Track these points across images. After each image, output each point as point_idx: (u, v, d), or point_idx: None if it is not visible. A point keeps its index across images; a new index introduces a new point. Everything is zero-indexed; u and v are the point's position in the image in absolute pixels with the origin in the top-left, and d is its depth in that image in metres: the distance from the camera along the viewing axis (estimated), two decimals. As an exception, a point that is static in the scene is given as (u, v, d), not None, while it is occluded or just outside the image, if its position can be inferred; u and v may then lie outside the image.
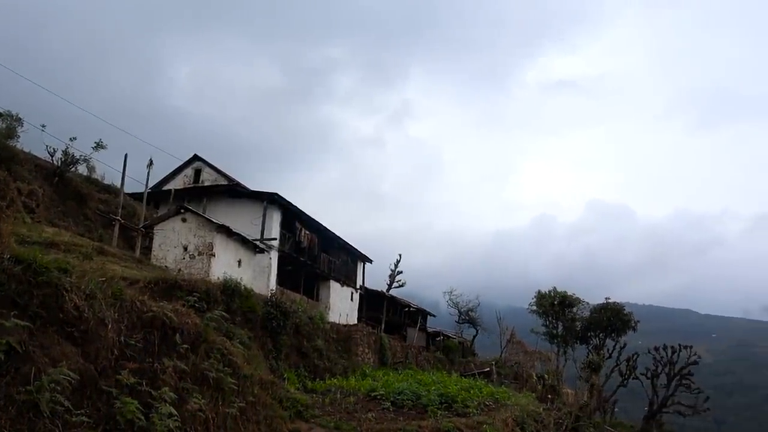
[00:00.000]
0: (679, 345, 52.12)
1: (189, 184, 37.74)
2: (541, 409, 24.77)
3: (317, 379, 23.39)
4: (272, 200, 34.49)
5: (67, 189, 31.57)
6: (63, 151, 31.14)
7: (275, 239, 34.07)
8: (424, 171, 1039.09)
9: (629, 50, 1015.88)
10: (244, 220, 32.90)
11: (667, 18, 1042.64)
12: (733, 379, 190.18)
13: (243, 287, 22.75)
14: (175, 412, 8.92)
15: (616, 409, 55.37)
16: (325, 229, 39.80)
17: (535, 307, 51.59)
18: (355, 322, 41.77)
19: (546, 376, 45.61)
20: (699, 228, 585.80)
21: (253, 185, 37.91)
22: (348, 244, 43.53)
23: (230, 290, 21.02)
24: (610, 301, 51.08)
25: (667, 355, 51.14)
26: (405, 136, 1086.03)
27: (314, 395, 19.60)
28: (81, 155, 31.85)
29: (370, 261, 47.49)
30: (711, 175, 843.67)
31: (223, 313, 15.55)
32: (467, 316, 53.70)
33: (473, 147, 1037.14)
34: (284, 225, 35.54)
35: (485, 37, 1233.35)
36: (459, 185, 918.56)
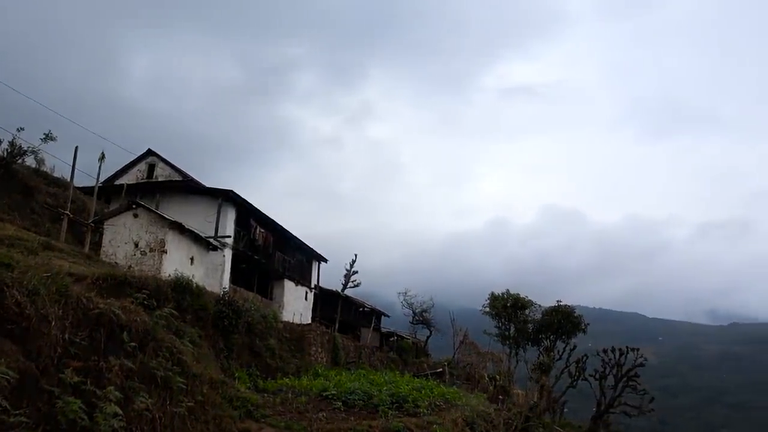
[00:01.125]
0: (627, 347, 53.44)
1: (142, 179, 37.03)
2: (492, 409, 25.09)
3: (269, 379, 23.21)
4: (227, 197, 34.09)
5: (13, 181, 30.54)
6: (9, 142, 30.10)
7: (229, 237, 33.69)
8: (382, 172, 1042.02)
9: (585, 60, 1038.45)
10: (198, 217, 32.44)
11: (622, 30, 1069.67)
12: (677, 380, 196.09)
13: (195, 285, 22.44)
14: (120, 412, 8.76)
15: (565, 410, 56.45)
16: (281, 227, 39.54)
17: (488, 309, 52.16)
18: (309, 321, 41.61)
19: (497, 377, 46.21)
20: (647, 233, 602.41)
21: (209, 182, 37.50)
22: (303, 243, 43.34)
23: (181, 288, 20.70)
24: (561, 303, 51.99)
25: (614, 357, 52.36)
26: (364, 137, 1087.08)
27: (265, 395, 19.45)
28: (29, 147, 30.83)
29: (326, 260, 47.38)
30: (659, 183, 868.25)
31: (173, 311, 15.32)
32: (421, 317, 54.03)
33: (431, 149, 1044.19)
34: (239, 223, 35.17)
35: (446, 41, 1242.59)
36: (416, 187, 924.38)
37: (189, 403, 11.70)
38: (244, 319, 24.16)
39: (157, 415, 10.25)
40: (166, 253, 26.66)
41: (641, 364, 53.01)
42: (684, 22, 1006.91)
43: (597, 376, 52.29)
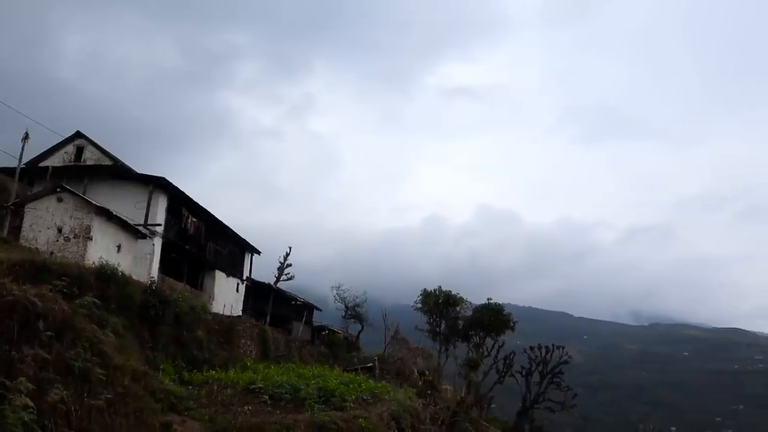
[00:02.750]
0: (553, 345, 55.22)
1: (69, 162, 35.64)
2: (419, 404, 25.39)
3: (195, 371, 22.77)
4: (159, 185, 33.19)
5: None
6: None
7: (160, 225, 32.84)
8: (321, 166, 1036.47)
9: (526, 65, 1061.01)
10: (127, 203, 31.47)
11: (563, 38, 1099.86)
12: (600, 377, 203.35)
13: (121, 273, 21.84)
14: (32, 404, 8.45)
15: (492, 405, 57.86)
16: (214, 217, 38.83)
17: (420, 305, 52.79)
18: (240, 313, 41.11)
19: (427, 372, 46.84)
20: (577, 236, 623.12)
21: (142, 168, 36.31)
22: (237, 234, 42.70)
23: (106, 276, 20.11)
24: (491, 301, 53.11)
25: (541, 355, 54.01)
26: (304, 130, 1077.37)
27: (190, 387, 19.10)
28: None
29: (259, 252, 46.83)
30: (591, 187, 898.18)
31: (96, 300, 14.90)
32: (354, 312, 54.10)
33: (371, 145, 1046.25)
34: (171, 211, 34.33)
35: (391, 39, 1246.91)
36: (354, 182, 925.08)
37: (108, 396, 11.39)
38: (172, 310, 23.64)
39: (72, 408, 9.94)
40: (91, 239, 25.80)
41: (566, 362, 54.92)
42: (620, 34, 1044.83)
43: (523, 373, 53.81)
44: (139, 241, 30.45)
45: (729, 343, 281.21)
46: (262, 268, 51.16)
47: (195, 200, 36.15)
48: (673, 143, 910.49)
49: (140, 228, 30.76)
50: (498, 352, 51.67)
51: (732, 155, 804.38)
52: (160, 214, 32.96)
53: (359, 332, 55.47)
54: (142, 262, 30.75)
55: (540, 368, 53.34)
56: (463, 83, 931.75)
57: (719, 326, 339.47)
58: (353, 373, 30.42)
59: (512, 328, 53.35)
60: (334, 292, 55.07)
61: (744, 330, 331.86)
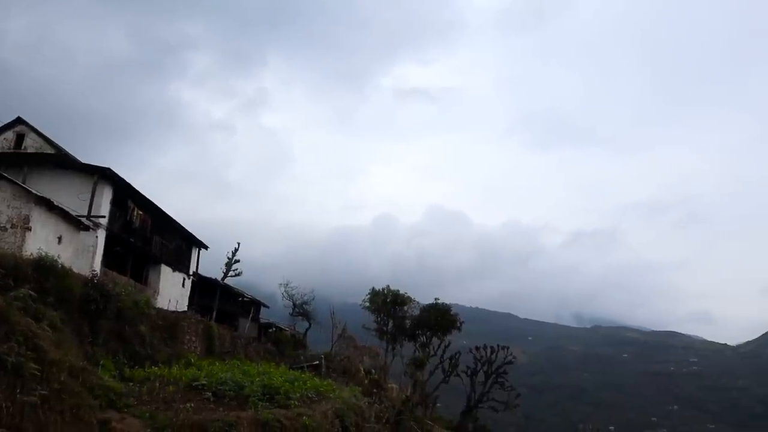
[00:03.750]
0: (498, 346, 56.17)
1: (9, 149, 34.40)
2: (364, 402, 25.47)
3: (137, 367, 22.30)
4: (104, 175, 32.29)
5: None
6: None
7: (104, 217, 31.96)
8: (273, 162, 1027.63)
9: (481, 69, 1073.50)
10: (70, 194, 30.53)
11: (518, 45, 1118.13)
12: (543, 378, 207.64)
13: (61, 266, 21.20)
14: (-41, 399, 8.14)
15: (437, 405, 58.47)
16: (161, 210, 38.03)
17: (368, 304, 52.90)
18: (186, 309, 40.40)
19: (373, 370, 46.98)
20: (524, 238, 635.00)
21: (87, 158, 35.23)
22: (184, 228, 41.95)
23: (45, 268, 19.49)
24: (439, 301, 53.61)
25: (486, 355, 54.88)
26: (257, 125, 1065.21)
27: (131, 384, 18.69)
28: None
29: (206, 247, 46.12)
30: (539, 191, 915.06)
31: (32, 293, 14.46)
32: (301, 309, 53.79)
33: (324, 143, 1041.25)
34: (116, 203, 33.45)
35: (347, 37, 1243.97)
36: (306, 179, 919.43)
37: (42, 392, 11.07)
38: (114, 304, 23.07)
39: (3, 404, 9.62)
40: (30, 230, 24.94)
41: (510, 362, 55.94)
42: (573, 44, 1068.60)
43: (469, 373, 54.58)
44: (82, 233, 29.59)
45: (666, 346, 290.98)
46: (209, 264, 50.49)
47: (142, 193, 35.34)
48: (619, 151, 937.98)
49: (83, 219, 29.89)
50: (444, 351, 52.25)
51: (673, 165, 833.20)
52: (104, 205, 32.10)
53: (306, 330, 55.24)
54: (84, 255, 29.91)
55: (485, 368, 54.21)
56: (418, 84, 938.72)
57: (657, 329, 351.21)
58: (299, 371, 30.31)
59: (459, 329, 53.97)
60: (283, 289, 54.69)
61: (680, 333, 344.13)
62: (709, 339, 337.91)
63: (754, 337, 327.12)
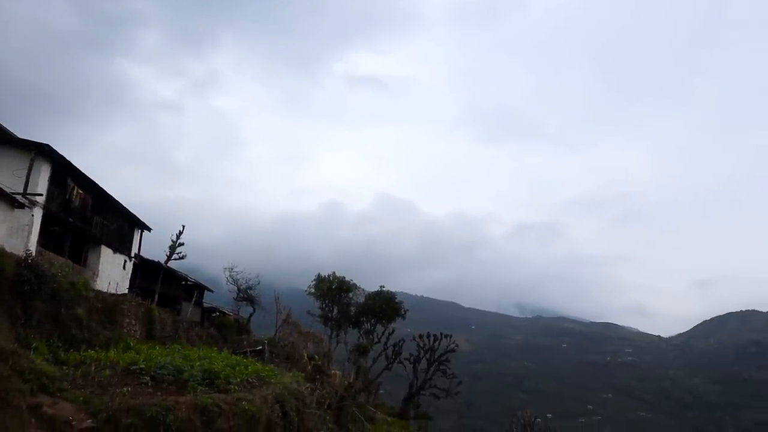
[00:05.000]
0: (441, 334, 57.02)
1: (-62, 121, 32.80)
2: (306, 388, 25.46)
3: (73, 351, 21.70)
4: (42, 152, 31.14)
5: None
6: None
7: (41, 195, 30.86)
8: (222, 144, 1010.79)
9: (434, 61, 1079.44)
10: (5, 170, 29.38)
11: (471, 39, 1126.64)
12: (485, 366, 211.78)
13: (-8, 245, 20.44)
14: None
15: (380, 391, 59.03)
16: (103, 190, 36.97)
17: (313, 290, 52.84)
18: (126, 292, 39.51)
19: (316, 357, 47.01)
20: (469, 229, 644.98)
21: (26, 133, 33.76)
22: (126, 209, 40.91)
23: (-25, 247, 18.74)
24: (384, 289, 53.96)
25: (429, 343, 55.65)
26: (207, 107, 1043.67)
27: (65, 368, 18.19)
28: None
29: (149, 229, 45.13)
30: (486, 183, 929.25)
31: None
32: (246, 294, 53.24)
33: (274, 127, 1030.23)
34: (54, 181, 32.33)
35: (302, 21, 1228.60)
36: (254, 163, 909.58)
37: (-31, 374, 10.70)
38: (49, 286, 22.40)
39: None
40: (-39, 207, 23.95)
41: (453, 350, 56.89)
42: (525, 41, 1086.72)
43: (411, 360, 55.28)
44: (17, 211, 28.53)
45: (603, 337, 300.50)
46: (153, 246, 49.38)
47: (82, 171, 34.26)
48: (564, 147, 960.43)
49: (18, 197, 28.81)
50: (388, 339, 52.74)
51: (615, 163, 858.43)
52: (42, 183, 30.99)
53: (250, 315, 54.76)
54: (18, 234, 28.86)
55: (428, 356, 54.97)
56: (371, 73, 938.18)
57: (595, 321, 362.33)
58: (242, 356, 30.06)
59: (403, 316, 54.54)
60: (227, 273, 53.98)
61: (616, 325, 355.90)
62: (644, 331, 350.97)
63: (685, 330, 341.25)
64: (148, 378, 17.85)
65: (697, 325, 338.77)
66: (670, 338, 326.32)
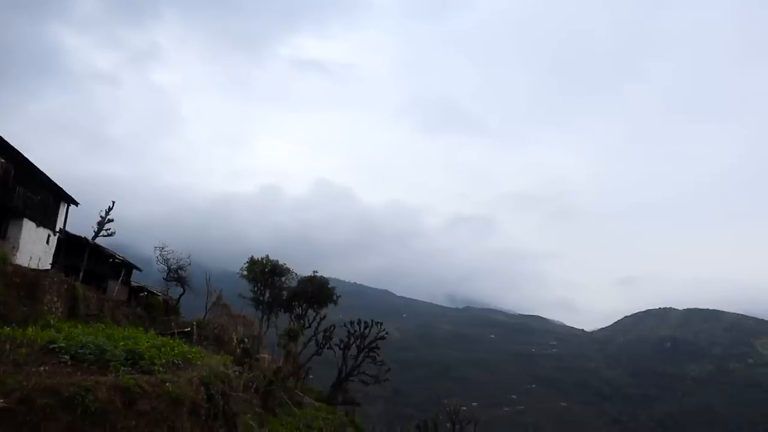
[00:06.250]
0: (372, 321, 57.38)
1: None
2: (234, 371, 25.20)
3: (-13, 327, 20.75)
4: (-38, 117, 29.61)
5: None
6: None
7: (-41, 163, 29.37)
8: (160, 121, 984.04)
9: (380, 50, 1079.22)
10: None
11: (419, 32, 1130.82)
12: (414, 354, 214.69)
13: None
14: None
15: (310, 376, 59.04)
16: (27, 160, 35.39)
17: (246, 273, 52.23)
18: (49, 267, 38.04)
19: (246, 340, 46.58)
20: (406, 219, 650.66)
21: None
22: (53, 181, 39.31)
23: None
24: (317, 274, 53.83)
25: (359, 330, 55.93)
26: (146, 81, 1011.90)
27: (-22, 344, 17.38)
28: None
29: (77, 203, 43.52)
30: (424, 174, 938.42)
31: None
32: (176, 274, 52.05)
33: (215, 106, 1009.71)
34: (-27, 148, 30.80)
35: (248, 0, 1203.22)
36: (193, 142, 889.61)
37: None
38: (-36, 258, 21.34)
39: None
40: None
41: (383, 338, 57.34)
42: (471, 39, 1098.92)
43: (342, 346, 55.43)
44: (-69, 177, 27.05)
45: (529, 329, 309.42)
46: (80, 222, 47.67)
47: (3, 138, 32.69)
48: (503, 143, 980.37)
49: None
50: (319, 324, 52.69)
51: (551, 162, 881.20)
52: (-41, 150, 29.48)
53: (180, 296, 53.65)
54: (-68, 202, 27.39)
55: (358, 342, 55.27)
56: (316, 58, 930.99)
57: (523, 313, 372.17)
58: (170, 337, 29.44)
59: (335, 302, 54.58)
60: (158, 252, 52.62)
61: (543, 318, 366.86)
62: (569, 324, 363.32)
63: (607, 325, 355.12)
64: (68, 357, 17.24)
65: (619, 320, 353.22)
66: (593, 332, 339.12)
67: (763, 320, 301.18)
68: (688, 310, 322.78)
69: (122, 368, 16.65)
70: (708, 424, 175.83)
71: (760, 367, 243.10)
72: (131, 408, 15.03)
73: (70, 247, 44.38)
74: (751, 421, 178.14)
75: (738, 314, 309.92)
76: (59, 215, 42.05)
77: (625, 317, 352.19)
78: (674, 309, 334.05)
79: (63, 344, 18.07)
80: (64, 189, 41.11)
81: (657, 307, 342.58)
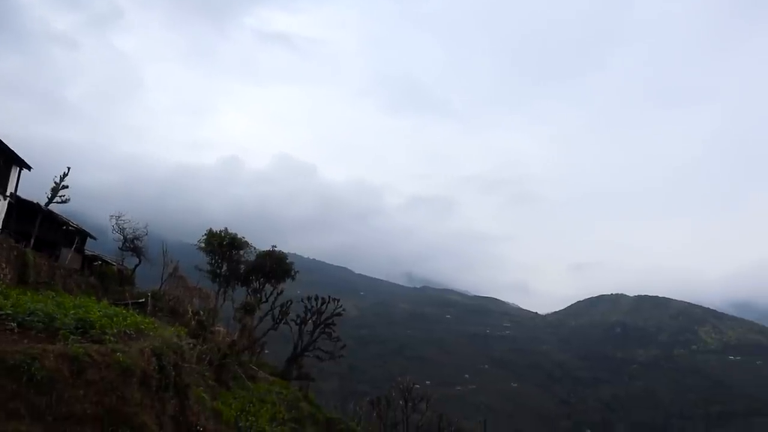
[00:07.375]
0: (329, 297, 57.52)
1: None
2: (187, 343, 25.05)
3: (-70, 291, 20.21)
4: None
5: None
6: None
7: None
8: (120, 87, 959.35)
9: (347, 26, 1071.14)
10: None
11: (386, 8, 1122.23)
12: (370, 332, 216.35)
13: None
14: None
15: (265, 351, 59.02)
16: (-23, 121, 34.24)
17: (203, 245, 51.73)
18: (-2, 233, 37.06)
19: (201, 312, 46.32)
20: (366, 197, 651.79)
21: None
22: (3, 143, 38.08)
23: None
24: (276, 249, 53.64)
25: (316, 305, 56.02)
26: (106, 45, 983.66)
27: None
28: None
29: (29, 168, 42.25)
30: (386, 153, 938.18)
31: None
32: (132, 244, 51.19)
33: (177, 75, 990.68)
34: None
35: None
36: (153, 110, 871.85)
37: None
38: None
39: None
40: None
41: (339, 314, 57.52)
42: (440, 18, 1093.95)
43: (298, 321, 55.48)
44: None
45: (485, 310, 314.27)
46: (33, 187, 46.28)
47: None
48: (466, 126, 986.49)
49: None
50: (276, 299, 52.59)
51: (512, 146, 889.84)
52: None
53: (135, 266, 52.85)
54: None
55: (314, 318, 55.39)
56: (281, 31, 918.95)
57: (479, 294, 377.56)
58: (123, 307, 29.08)
59: (293, 277, 54.51)
60: (114, 221, 51.62)
61: (499, 300, 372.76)
62: (524, 307, 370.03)
63: (560, 308, 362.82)
64: (15, 325, 16.90)
65: (572, 305, 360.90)
66: (546, 316, 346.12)
67: (708, 309, 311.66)
68: (639, 296, 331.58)
69: (71, 337, 16.40)
70: (652, 408, 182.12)
71: (702, 354, 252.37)
72: (79, 377, 14.86)
73: (21, 212, 43.18)
74: (693, 405, 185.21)
75: (685, 302, 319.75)
76: (10, 179, 40.79)
77: (578, 302, 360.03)
78: (625, 295, 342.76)
79: (10, 311, 17.71)
80: (15, 152, 39.87)
81: (609, 293, 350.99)
